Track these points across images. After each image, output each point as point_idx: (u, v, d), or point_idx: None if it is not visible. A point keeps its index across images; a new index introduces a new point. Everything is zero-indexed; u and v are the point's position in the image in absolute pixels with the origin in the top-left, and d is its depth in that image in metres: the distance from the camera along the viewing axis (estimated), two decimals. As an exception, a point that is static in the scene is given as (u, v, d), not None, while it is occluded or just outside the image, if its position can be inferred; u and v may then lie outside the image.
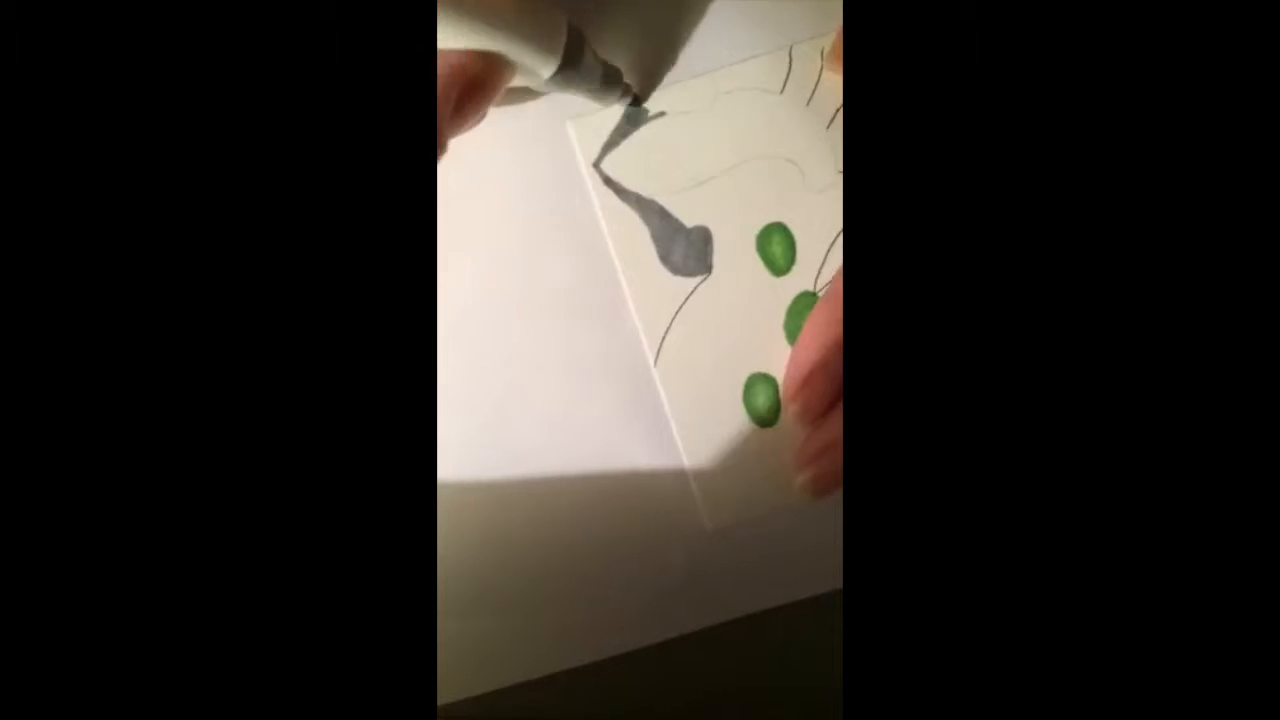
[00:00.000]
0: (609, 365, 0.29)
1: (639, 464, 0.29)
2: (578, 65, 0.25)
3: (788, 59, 0.29)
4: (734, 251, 0.29)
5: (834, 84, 0.29)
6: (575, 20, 0.25)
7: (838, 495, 0.26)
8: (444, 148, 0.23)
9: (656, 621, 0.29)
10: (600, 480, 0.29)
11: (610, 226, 0.29)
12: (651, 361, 0.28)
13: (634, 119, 0.29)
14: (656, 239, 0.29)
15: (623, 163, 0.29)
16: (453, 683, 0.29)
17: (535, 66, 0.24)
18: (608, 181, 0.29)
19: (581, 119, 0.29)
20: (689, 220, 0.29)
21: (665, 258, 0.29)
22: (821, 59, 0.29)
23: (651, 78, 0.29)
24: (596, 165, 0.29)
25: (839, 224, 0.29)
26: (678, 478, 0.28)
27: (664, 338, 0.28)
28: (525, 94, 0.29)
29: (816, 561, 0.28)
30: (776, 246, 0.29)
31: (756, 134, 0.29)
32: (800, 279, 0.29)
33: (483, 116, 0.24)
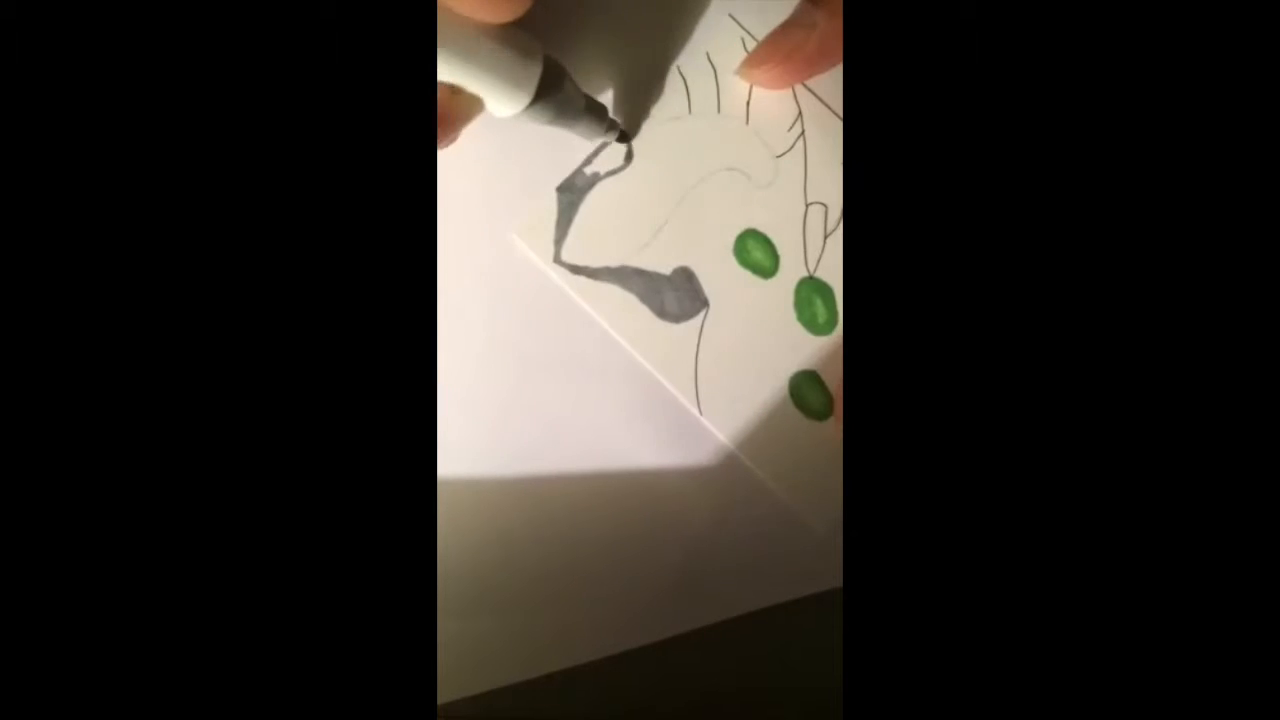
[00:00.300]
0: (608, 366, 0.29)
1: (640, 463, 0.29)
2: (555, 96, 0.24)
3: (683, 86, 0.29)
4: (721, 276, 0.29)
5: (731, 89, 0.29)
6: (554, 52, 0.24)
7: (837, 496, 0.27)
8: None
9: (656, 620, 0.29)
10: (600, 480, 0.29)
11: (597, 310, 0.28)
12: (698, 412, 0.28)
13: (569, 201, 0.29)
14: (645, 299, 0.28)
15: (581, 247, 0.29)
16: (452, 682, 0.28)
17: (506, 100, 0.23)
18: (575, 270, 0.29)
19: (522, 225, 0.29)
20: (666, 268, 0.29)
21: (661, 312, 0.28)
22: (712, 65, 0.29)
23: (638, 112, 0.29)
24: (557, 261, 0.29)
25: (802, 206, 0.29)
26: (679, 477, 0.29)
27: (696, 385, 0.28)
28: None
29: (816, 559, 0.28)
30: (756, 252, 0.29)
31: (686, 163, 0.29)
32: (792, 270, 0.29)
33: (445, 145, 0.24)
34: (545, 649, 0.29)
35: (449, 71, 0.22)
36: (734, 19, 0.29)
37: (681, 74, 0.29)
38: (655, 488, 0.29)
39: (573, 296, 0.28)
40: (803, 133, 0.29)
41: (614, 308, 0.28)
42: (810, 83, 0.29)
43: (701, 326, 0.28)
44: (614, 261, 0.29)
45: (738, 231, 0.29)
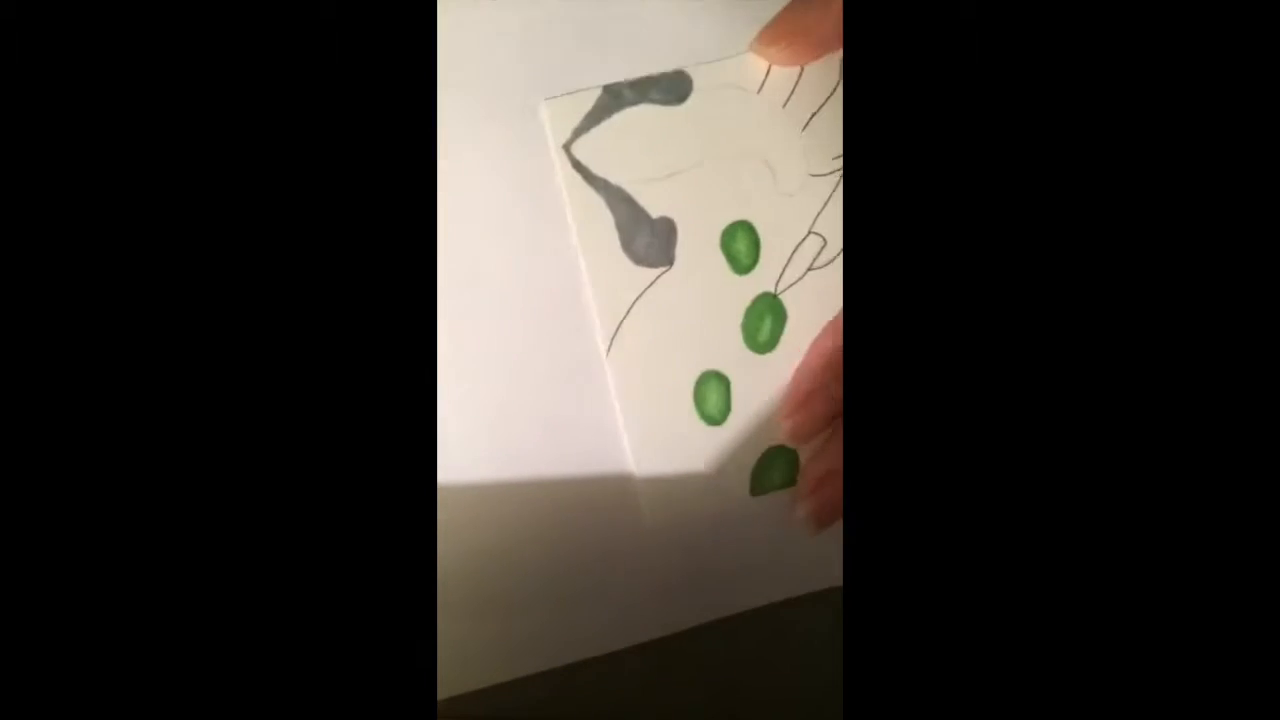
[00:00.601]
0: (591, 366, 0.28)
1: (638, 464, 0.29)
2: None
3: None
4: (698, 246, 0.28)
5: (813, 86, 0.29)
6: None
7: (837, 496, 0.27)
8: None
9: (655, 618, 0.29)
10: (599, 478, 0.29)
11: (575, 210, 0.28)
12: (604, 350, 0.28)
13: (607, 104, 0.29)
14: (621, 227, 0.28)
15: (593, 148, 0.28)
16: (452, 678, 0.29)
17: None
18: (576, 165, 0.28)
19: (556, 100, 0.29)
20: (654, 211, 0.28)
21: (628, 246, 0.28)
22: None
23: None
24: (567, 148, 0.28)
25: (805, 227, 0.28)
26: (678, 477, 0.28)
27: (619, 326, 0.28)
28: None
29: (815, 557, 0.28)
30: (741, 244, 0.28)
31: (730, 131, 0.28)
32: (762, 279, 0.28)
33: None
34: (545, 646, 0.29)
35: None
36: None
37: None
38: (653, 486, 0.28)
39: (559, 185, 0.28)
40: (843, 168, 0.29)
41: (589, 218, 0.28)
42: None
43: (654, 280, 0.28)
44: (613, 179, 0.28)
45: (737, 217, 0.28)
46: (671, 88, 0.29)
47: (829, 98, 0.29)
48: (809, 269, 0.29)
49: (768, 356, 0.29)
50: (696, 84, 0.29)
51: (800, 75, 0.29)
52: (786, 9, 0.27)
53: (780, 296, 0.28)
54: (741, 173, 0.28)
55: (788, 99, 0.29)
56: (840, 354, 0.28)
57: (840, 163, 0.29)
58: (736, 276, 0.28)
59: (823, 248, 0.29)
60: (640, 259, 0.28)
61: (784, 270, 0.28)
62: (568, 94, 0.29)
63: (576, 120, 0.29)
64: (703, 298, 0.28)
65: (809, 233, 0.28)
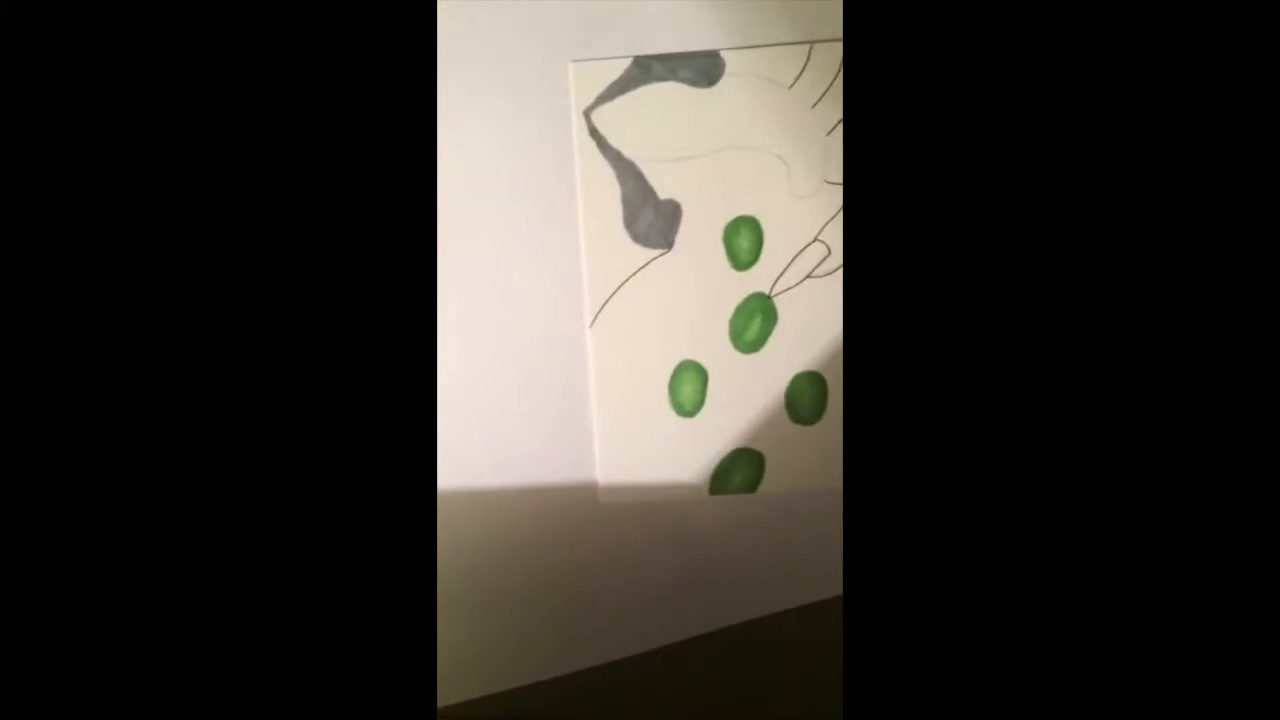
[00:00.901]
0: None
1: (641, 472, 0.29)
2: None
3: (806, 54, 0.28)
4: (699, 234, 0.28)
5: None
6: None
7: (836, 502, 0.27)
8: None
9: (656, 627, 0.29)
10: (599, 487, 0.29)
11: (583, 178, 0.28)
12: (588, 323, 0.28)
13: (634, 76, 0.28)
14: (626, 201, 0.28)
15: (613, 118, 0.28)
16: (453, 686, 0.29)
17: None
18: (593, 132, 0.28)
19: (584, 64, 0.28)
20: (662, 192, 0.28)
21: (630, 223, 0.28)
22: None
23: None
24: (587, 113, 0.28)
25: (811, 233, 0.28)
26: (680, 485, 0.29)
27: (606, 301, 0.28)
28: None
29: (816, 567, 0.28)
30: (744, 240, 0.28)
31: (753, 123, 0.28)
32: (759, 278, 0.28)
33: None
34: (546, 654, 0.29)
35: None
36: None
37: (810, 52, 0.28)
38: (656, 495, 0.29)
39: (573, 146, 0.28)
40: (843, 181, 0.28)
41: (596, 184, 0.28)
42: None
43: (650, 260, 0.28)
44: (628, 152, 0.28)
45: (744, 211, 0.28)
46: (703, 69, 0.28)
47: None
48: (808, 276, 0.28)
49: (751, 357, 0.28)
50: (729, 68, 0.28)
51: (836, 77, 0.28)
52: None
53: (774, 299, 0.28)
54: (757, 167, 0.28)
55: (818, 100, 0.28)
56: None
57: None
58: (733, 271, 0.28)
59: (825, 257, 0.28)
60: (639, 237, 0.28)
61: (782, 273, 0.28)
62: (597, 59, 0.28)
63: (601, 88, 0.28)
64: (695, 287, 0.28)
65: (814, 239, 0.28)
